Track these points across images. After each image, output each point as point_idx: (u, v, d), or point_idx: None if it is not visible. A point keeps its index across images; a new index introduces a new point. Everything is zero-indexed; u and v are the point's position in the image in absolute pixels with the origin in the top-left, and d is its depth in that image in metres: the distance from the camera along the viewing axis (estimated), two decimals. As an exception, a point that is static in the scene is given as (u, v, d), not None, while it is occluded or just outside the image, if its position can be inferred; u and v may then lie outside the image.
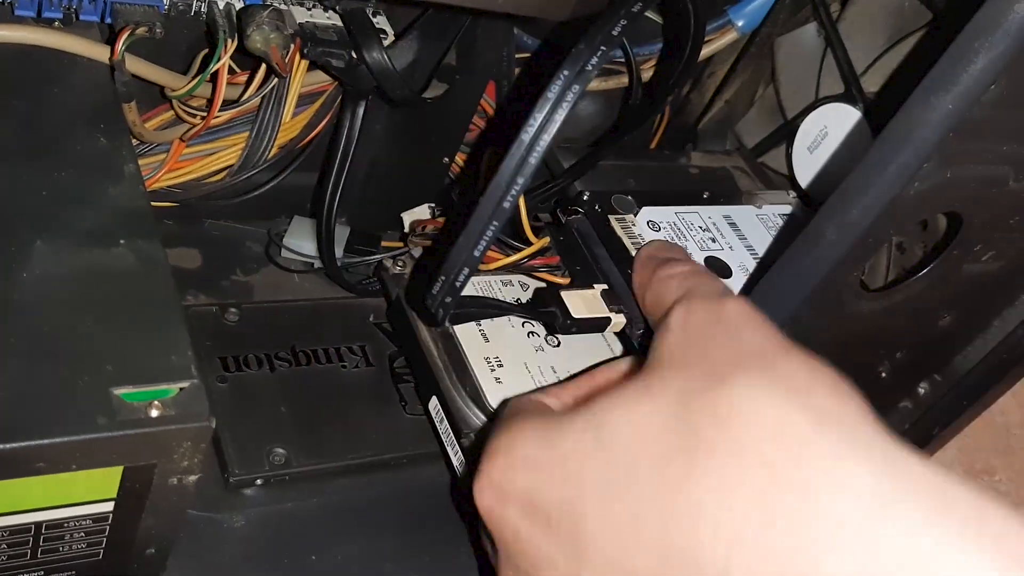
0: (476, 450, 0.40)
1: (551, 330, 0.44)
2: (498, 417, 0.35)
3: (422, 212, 0.48)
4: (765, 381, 0.27)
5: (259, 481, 0.44)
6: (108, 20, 0.43)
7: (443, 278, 0.36)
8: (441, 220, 0.47)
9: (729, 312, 0.31)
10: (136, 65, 0.44)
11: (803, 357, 0.29)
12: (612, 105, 0.61)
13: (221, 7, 0.44)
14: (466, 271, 0.35)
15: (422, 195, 0.53)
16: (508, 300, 0.45)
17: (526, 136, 0.32)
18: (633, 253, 0.44)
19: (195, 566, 0.41)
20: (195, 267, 0.54)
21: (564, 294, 0.41)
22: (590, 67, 0.32)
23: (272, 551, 0.43)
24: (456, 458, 0.42)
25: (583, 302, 0.41)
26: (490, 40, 0.52)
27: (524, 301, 0.45)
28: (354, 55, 0.45)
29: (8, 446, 0.27)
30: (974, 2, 0.28)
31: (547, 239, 0.44)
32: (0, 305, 0.31)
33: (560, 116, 0.32)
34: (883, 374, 0.46)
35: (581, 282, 0.43)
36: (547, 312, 0.41)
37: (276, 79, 0.47)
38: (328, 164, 0.49)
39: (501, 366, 0.44)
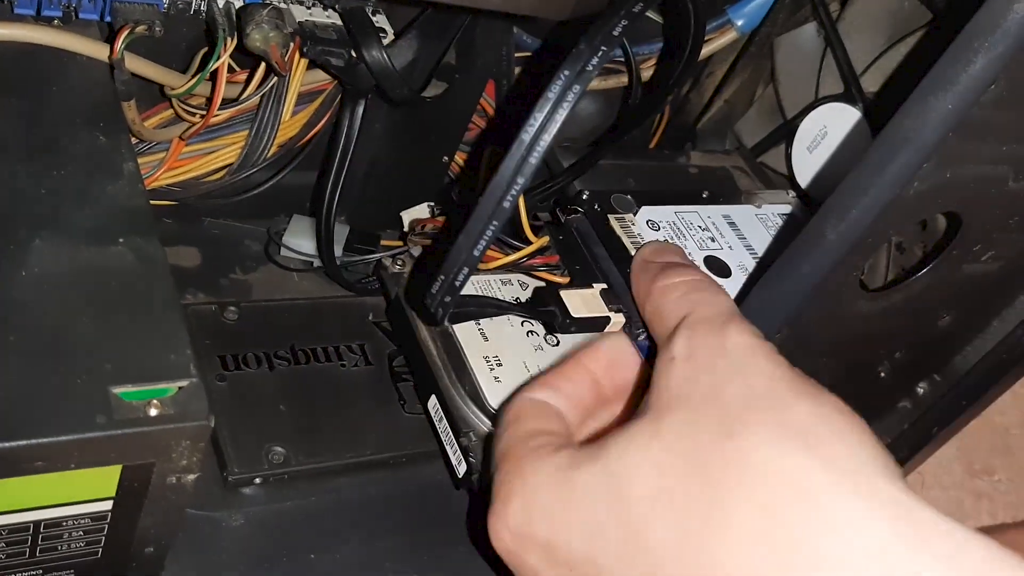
0: (477, 451, 0.40)
1: (550, 329, 0.44)
2: (500, 421, 0.35)
3: (421, 211, 0.48)
4: (776, 431, 0.27)
5: (258, 480, 0.44)
6: (107, 18, 0.43)
7: (442, 277, 0.36)
8: (440, 219, 0.47)
9: (733, 345, 0.31)
10: (135, 63, 0.44)
11: (812, 397, 0.29)
12: (612, 104, 0.61)
13: (220, 5, 0.44)
14: (465, 270, 0.35)
15: (421, 194, 0.53)
16: (507, 299, 0.45)
17: (526, 136, 0.32)
18: (633, 253, 0.44)
19: (194, 565, 0.41)
20: (194, 266, 0.54)
21: (563, 293, 0.41)
22: (590, 67, 0.32)
23: (271, 550, 0.42)
24: (455, 457, 0.41)
25: (582, 301, 0.41)
26: (490, 39, 0.52)
27: (523, 300, 0.45)
28: (353, 54, 0.45)
29: (7, 445, 0.27)
30: (974, 2, 0.28)
31: (546, 238, 0.44)
32: (-1, 304, 0.31)
33: (560, 116, 0.32)
34: (882, 374, 0.46)
35: (580, 281, 0.43)
36: (546, 311, 0.41)
37: (275, 78, 0.47)
38: (327, 163, 0.49)
39: (500, 365, 0.44)
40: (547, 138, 0.32)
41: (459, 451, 0.41)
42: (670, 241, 0.47)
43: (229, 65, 0.45)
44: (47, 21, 0.42)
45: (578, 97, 0.32)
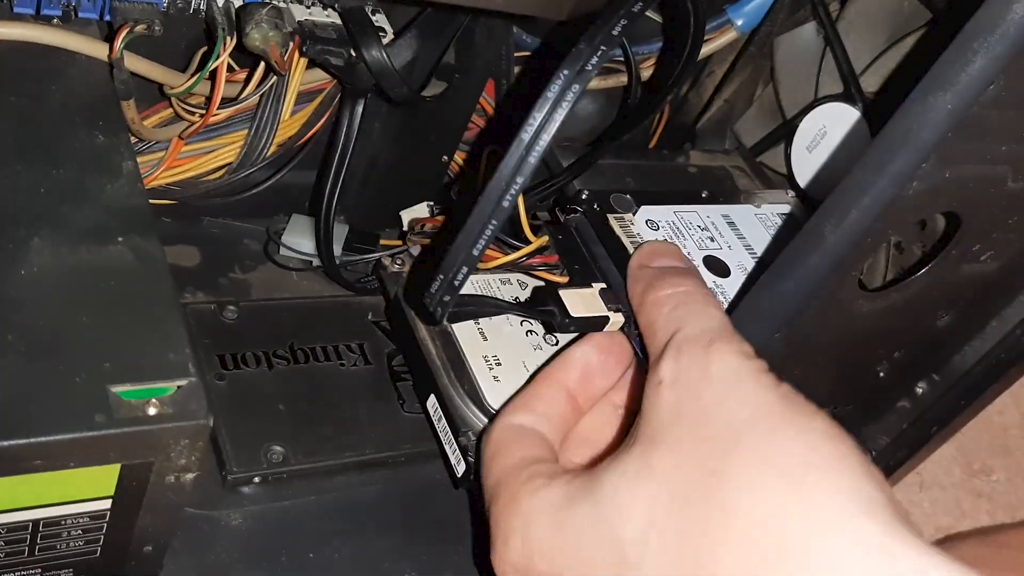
0: (476, 450, 0.41)
1: (549, 329, 0.44)
2: (484, 451, 0.36)
3: (421, 210, 0.48)
4: (760, 472, 0.28)
5: (257, 479, 0.44)
6: (107, 17, 0.43)
7: (441, 276, 0.36)
8: (440, 218, 0.47)
9: (718, 370, 0.31)
10: (135, 63, 0.44)
11: (797, 428, 0.29)
12: (611, 104, 0.61)
13: (220, 5, 0.44)
14: (465, 269, 0.35)
15: (421, 193, 0.53)
16: (507, 299, 0.45)
17: (525, 135, 0.32)
18: (632, 252, 0.44)
19: (192, 564, 0.41)
20: (193, 265, 0.54)
21: (562, 293, 0.41)
22: (590, 67, 0.32)
23: (269, 549, 0.43)
24: (454, 456, 0.41)
25: (581, 301, 0.41)
26: (489, 39, 0.52)
27: (523, 300, 0.45)
28: (353, 53, 0.45)
29: (6, 443, 0.27)
30: (973, 2, 0.28)
31: (546, 238, 0.44)
32: (-2, 302, 0.31)
33: (560, 116, 0.32)
34: (881, 374, 0.46)
35: (579, 281, 0.43)
36: (545, 311, 0.41)
37: (275, 77, 0.47)
38: (327, 162, 0.49)
39: (499, 365, 0.44)
40: (546, 137, 0.32)
41: (458, 450, 0.41)
42: (669, 241, 0.47)
43: (228, 64, 0.45)
44: (46, 20, 0.42)
45: (577, 96, 0.32)
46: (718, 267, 0.47)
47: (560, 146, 0.50)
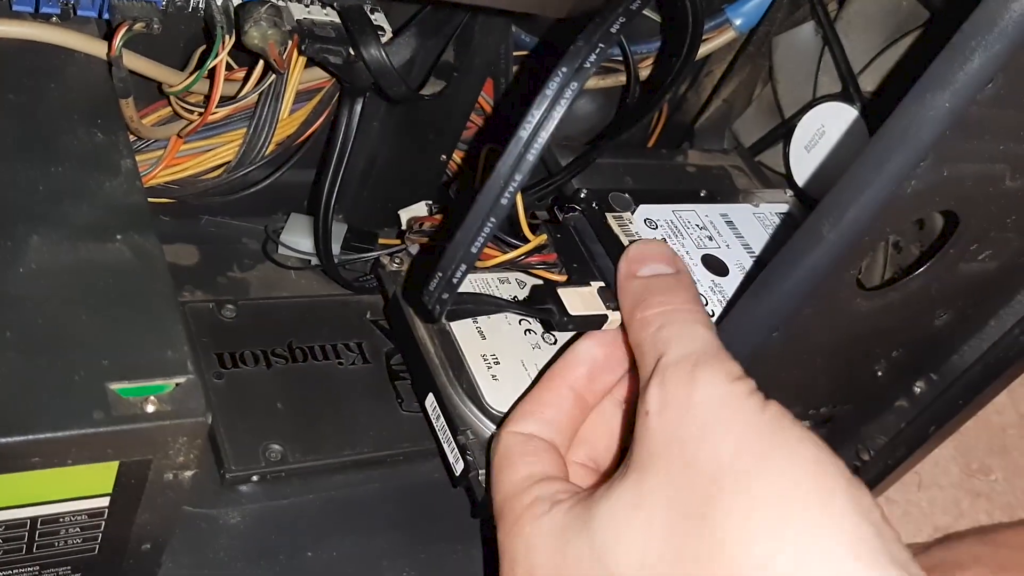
0: (474, 449, 0.41)
1: (548, 327, 0.44)
2: (492, 462, 0.37)
3: (419, 209, 0.48)
4: (745, 513, 0.28)
5: (255, 477, 0.44)
6: (106, 16, 0.43)
7: (440, 274, 0.36)
8: (438, 217, 0.47)
9: (701, 399, 0.31)
10: (133, 61, 0.44)
11: (781, 459, 0.29)
12: (610, 103, 0.61)
13: (219, 3, 0.44)
14: (463, 267, 0.35)
15: (419, 192, 0.53)
16: (505, 298, 0.45)
17: (524, 133, 0.32)
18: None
19: (191, 562, 0.41)
20: (191, 264, 0.54)
21: (561, 291, 0.41)
22: (588, 64, 0.32)
23: (268, 547, 0.43)
24: (452, 455, 0.42)
25: (580, 299, 0.41)
26: (488, 37, 0.52)
27: (521, 299, 0.45)
28: (352, 52, 0.45)
29: (4, 440, 0.27)
30: (971, 1, 0.29)
31: (544, 236, 0.44)
32: (-4, 300, 0.31)
33: (558, 113, 0.32)
34: (879, 373, 0.46)
35: (578, 279, 0.43)
36: (544, 309, 0.41)
37: (273, 75, 0.47)
38: (325, 161, 0.49)
39: (498, 363, 0.44)
40: (545, 135, 0.32)
41: (456, 449, 0.41)
42: (668, 241, 0.47)
43: (227, 63, 0.45)
44: (45, 18, 0.41)
45: (576, 94, 0.32)
46: (716, 266, 0.47)
47: (558, 145, 0.50)
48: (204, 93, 0.47)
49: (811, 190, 0.55)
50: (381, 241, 0.55)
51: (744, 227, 0.50)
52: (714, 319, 0.44)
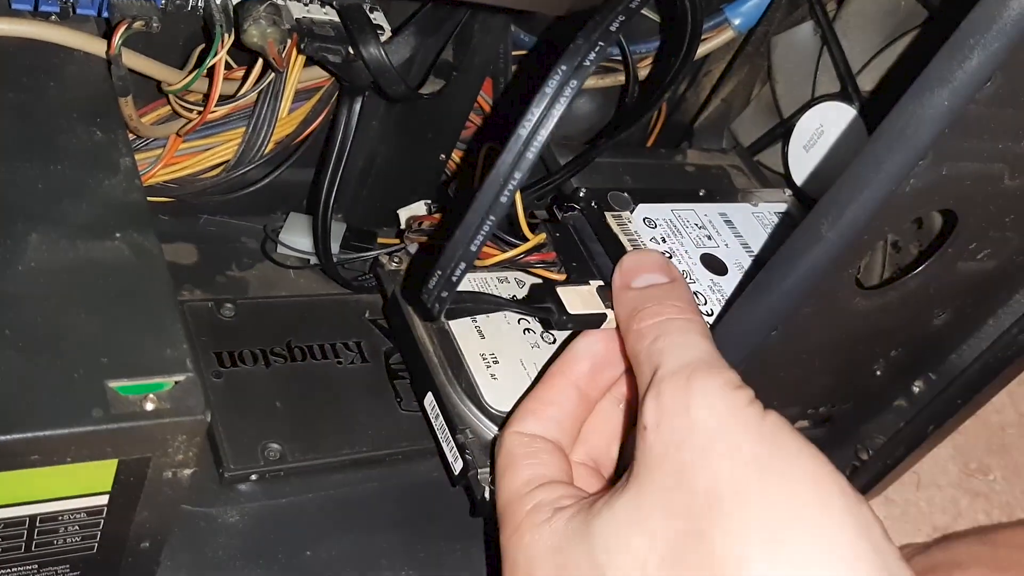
0: (473, 448, 0.41)
1: (547, 326, 0.44)
2: (496, 463, 0.37)
3: (418, 208, 0.48)
4: (743, 536, 0.28)
5: (254, 476, 0.44)
6: (105, 14, 0.43)
7: (439, 272, 0.36)
8: (437, 216, 0.47)
9: (697, 415, 0.31)
10: (133, 59, 0.44)
11: (779, 476, 0.29)
12: (609, 103, 0.61)
13: (218, 2, 0.44)
14: (463, 265, 0.35)
15: (418, 192, 0.53)
16: (504, 297, 0.45)
17: (523, 131, 0.32)
18: (630, 250, 0.44)
19: (189, 561, 0.41)
20: (190, 263, 0.54)
21: (560, 290, 0.41)
22: (588, 62, 0.32)
23: (266, 546, 0.42)
24: (451, 454, 0.42)
25: (579, 298, 0.41)
26: (487, 36, 0.52)
27: (520, 298, 0.45)
28: (351, 51, 0.45)
29: (3, 438, 0.27)
30: (970, 0, 0.29)
31: (543, 235, 0.44)
32: (-5, 298, 0.31)
33: (558, 111, 0.32)
34: (878, 372, 0.46)
35: (577, 278, 0.43)
36: (543, 308, 0.41)
37: (273, 74, 0.47)
38: (324, 160, 0.49)
39: (497, 362, 0.44)
40: (544, 132, 0.32)
41: (455, 448, 0.41)
42: (667, 240, 0.47)
43: (226, 61, 0.45)
44: (44, 16, 0.41)
45: (575, 92, 0.32)
46: (715, 265, 0.47)
47: (558, 144, 0.50)
48: (203, 92, 0.47)
49: (810, 189, 0.55)
50: (380, 240, 0.55)
51: (743, 226, 0.50)
52: (713, 318, 0.44)
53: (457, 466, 0.41)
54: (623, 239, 0.45)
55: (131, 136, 0.46)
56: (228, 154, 0.51)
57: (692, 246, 0.47)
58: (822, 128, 0.54)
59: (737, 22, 0.57)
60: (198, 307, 0.49)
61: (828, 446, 0.48)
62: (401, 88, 0.46)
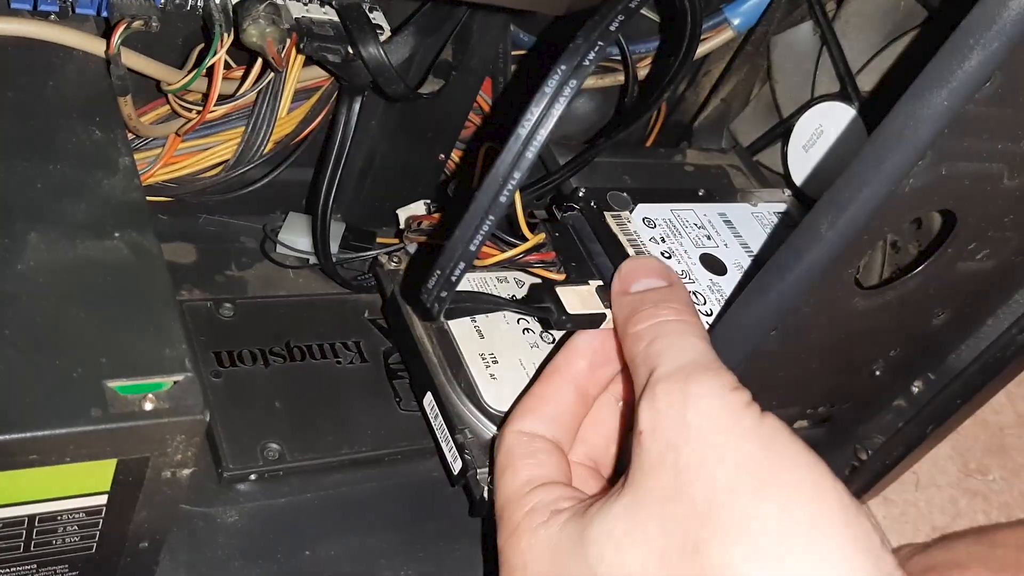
0: (472, 448, 0.41)
1: (546, 326, 0.44)
2: (495, 462, 0.37)
3: (418, 208, 0.48)
4: (741, 549, 0.28)
5: (253, 476, 0.44)
6: (104, 14, 0.43)
7: (438, 271, 0.36)
8: (437, 216, 0.47)
9: (693, 420, 0.31)
10: (132, 59, 0.43)
11: (777, 485, 0.29)
12: (608, 102, 0.61)
13: (217, 1, 0.44)
14: (462, 264, 0.35)
15: (418, 191, 0.53)
16: (503, 296, 0.45)
17: (523, 130, 0.32)
18: (629, 250, 0.44)
19: (188, 560, 0.41)
20: (189, 262, 0.54)
21: (559, 290, 0.41)
22: (587, 62, 0.32)
23: (265, 546, 0.42)
24: (450, 454, 0.42)
25: (578, 298, 0.41)
26: (486, 36, 0.52)
27: (519, 298, 0.45)
28: (350, 50, 0.45)
29: (1, 438, 0.27)
30: (969, 0, 0.29)
31: (543, 235, 0.44)
32: (-6, 297, 0.31)
33: (557, 111, 0.32)
34: (877, 372, 0.46)
35: (576, 278, 0.43)
36: (542, 308, 0.41)
37: (272, 74, 0.47)
38: (324, 160, 0.49)
39: (496, 362, 0.44)
40: (544, 132, 0.32)
41: (454, 448, 0.41)
42: (666, 240, 0.47)
43: (225, 61, 0.45)
44: (44, 16, 0.41)
45: (575, 92, 0.32)
46: (715, 265, 0.47)
47: (557, 144, 0.50)
48: (202, 91, 0.47)
49: (809, 189, 0.55)
50: (379, 240, 0.55)
51: (742, 226, 0.50)
52: (712, 318, 0.44)
53: (456, 466, 0.41)
54: (622, 239, 0.45)
55: (130, 135, 0.46)
56: (227, 154, 0.51)
57: (691, 246, 0.47)
58: (821, 128, 0.54)
59: (736, 22, 0.57)
60: (197, 307, 0.49)
61: (827, 446, 0.48)
62: (400, 88, 0.46)
